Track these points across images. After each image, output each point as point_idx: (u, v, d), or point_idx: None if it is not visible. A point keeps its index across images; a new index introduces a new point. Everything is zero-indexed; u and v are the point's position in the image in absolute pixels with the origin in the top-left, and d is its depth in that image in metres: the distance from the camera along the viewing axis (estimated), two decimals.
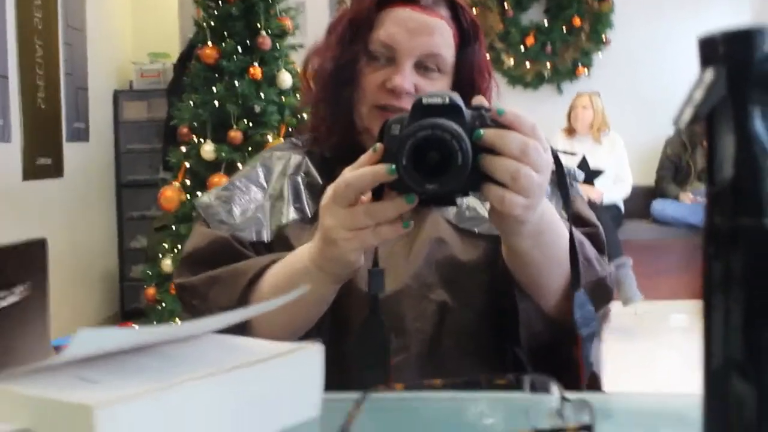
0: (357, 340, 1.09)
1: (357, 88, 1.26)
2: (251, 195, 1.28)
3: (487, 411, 0.75)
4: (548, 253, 1.05)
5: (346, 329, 1.15)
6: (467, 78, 1.28)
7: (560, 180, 1.10)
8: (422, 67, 1.24)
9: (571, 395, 0.65)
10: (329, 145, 1.32)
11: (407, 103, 1.19)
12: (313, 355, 0.76)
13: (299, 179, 1.30)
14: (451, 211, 1.24)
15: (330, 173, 1.29)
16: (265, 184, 1.30)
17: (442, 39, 1.25)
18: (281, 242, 1.23)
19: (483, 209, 1.22)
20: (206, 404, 0.65)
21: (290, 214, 1.26)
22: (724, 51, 0.49)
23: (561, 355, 1.15)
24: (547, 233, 1.03)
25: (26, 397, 0.61)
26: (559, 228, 1.07)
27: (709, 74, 0.50)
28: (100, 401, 0.58)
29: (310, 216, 1.25)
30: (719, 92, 0.49)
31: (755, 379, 0.50)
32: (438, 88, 1.24)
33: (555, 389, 0.67)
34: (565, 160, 1.11)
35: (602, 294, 1.17)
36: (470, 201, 1.24)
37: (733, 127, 0.50)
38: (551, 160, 0.97)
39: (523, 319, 1.12)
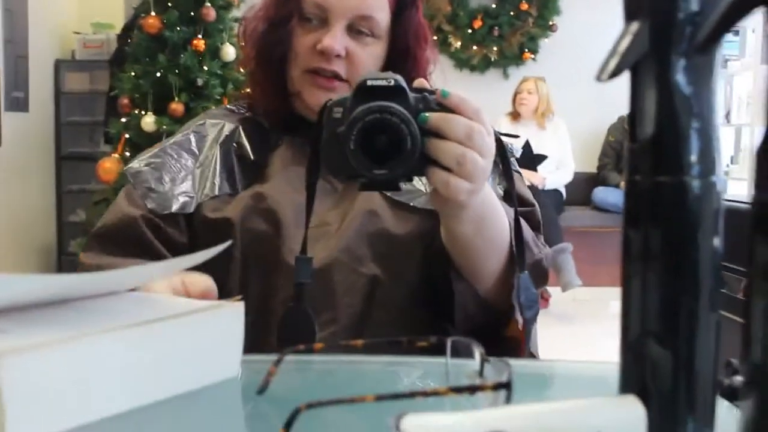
0: (281, 330, 1.05)
1: (289, 50, 1.23)
2: (182, 162, 1.25)
3: (407, 372, 0.74)
4: (488, 238, 1.05)
5: (272, 302, 1.14)
6: (402, 44, 1.26)
7: (503, 162, 1.09)
8: (355, 30, 1.22)
9: (491, 358, 0.64)
10: (264, 109, 1.31)
11: (338, 67, 1.20)
12: (234, 314, 0.74)
13: (231, 149, 1.27)
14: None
15: (265, 142, 1.29)
16: (196, 151, 1.27)
17: (376, 1, 1.22)
18: (198, 215, 1.22)
19: (420, 183, 1.21)
20: (119, 357, 0.63)
21: (217, 186, 1.23)
22: (647, 4, 0.49)
23: (494, 337, 1.14)
24: (487, 218, 1.03)
25: None
26: (499, 213, 1.06)
27: (633, 28, 0.49)
28: (6, 349, 0.56)
29: (239, 190, 1.23)
30: (642, 46, 0.49)
31: (671, 342, 0.50)
32: (371, 53, 1.23)
33: (476, 352, 0.66)
34: (507, 141, 1.10)
35: (538, 275, 1.16)
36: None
37: (655, 82, 0.49)
38: (494, 144, 0.96)
39: (458, 301, 1.11)
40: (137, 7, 4.32)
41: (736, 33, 6.25)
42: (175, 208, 1.21)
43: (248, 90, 1.38)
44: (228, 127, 1.29)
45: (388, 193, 1.20)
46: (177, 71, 3.92)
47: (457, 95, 0.92)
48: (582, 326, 5.17)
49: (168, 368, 0.67)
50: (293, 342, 1.01)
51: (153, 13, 3.99)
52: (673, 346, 0.49)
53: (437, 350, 0.73)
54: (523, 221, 1.14)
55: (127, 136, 4.01)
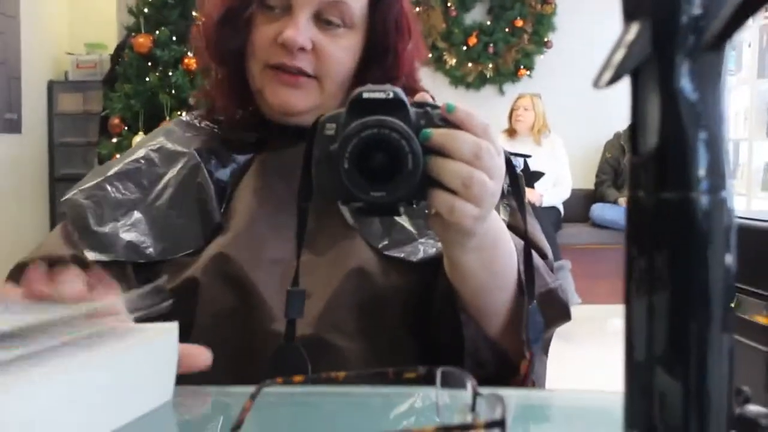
0: (271, 370, 0.87)
1: (248, 42, 1.09)
2: (128, 197, 1.08)
3: (395, 406, 0.69)
4: (495, 270, 0.94)
5: (250, 360, 1.00)
6: (381, 35, 1.11)
7: (514, 187, 0.99)
8: (323, 19, 1.07)
9: (484, 390, 0.60)
10: (226, 115, 1.15)
11: (303, 62, 1.07)
12: (168, 335, 0.71)
13: (191, 191, 1.09)
14: (376, 235, 1.07)
15: (230, 168, 1.12)
16: (146, 182, 1.10)
17: None
18: (152, 274, 1.03)
19: (411, 226, 1.08)
20: (82, 386, 0.60)
21: (176, 241, 1.06)
22: (649, 2, 0.44)
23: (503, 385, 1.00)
24: (494, 248, 0.92)
25: None
26: (507, 242, 0.95)
27: (632, 29, 0.44)
28: None
29: (201, 244, 1.06)
30: (643, 49, 0.44)
31: (680, 372, 0.45)
32: (343, 46, 1.09)
33: (468, 384, 0.61)
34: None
35: (553, 306, 1.04)
36: (400, 219, 1.08)
37: (658, 88, 0.44)
38: (504, 165, 0.86)
39: (468, 348, 0.98)
40: (129, 26, 4.29)
41: (733, 47, 6.25)
42: (119, 255, 1.04)
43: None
44: (188, 162, 1.11)
45: (379, 247, 1.06)
46: (168, 90, 3.89)
47: (464, 110, 0.83)
48: (581, 345, 5.12)
49: (108, 398, 0.64)
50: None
51: (143, 32, 3.97)
52: (684, 375, 0.45)
53: (427, 379, 0.67)
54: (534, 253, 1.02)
55: (118, 156, 3.97)
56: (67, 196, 1.10)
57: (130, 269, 1.04)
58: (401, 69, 1.13)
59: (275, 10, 1.07)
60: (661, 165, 0.45)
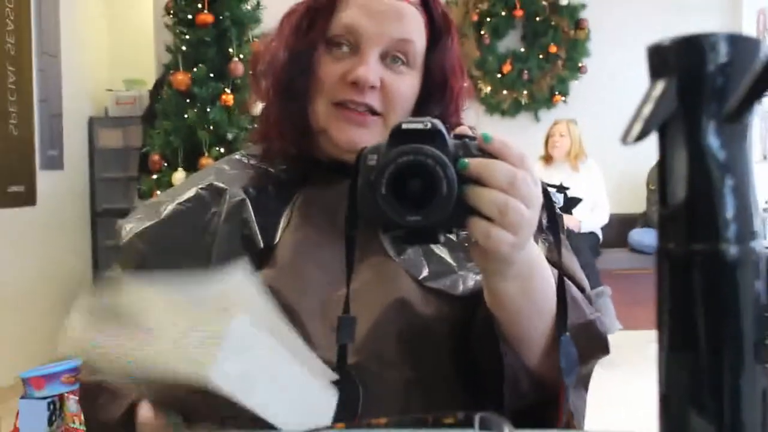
0: None
1: (314, 81, 1.10)
2: (183, 240, 1.12)
3: None
4: (534, 298, 0.94)
5: None
6: (439, 77, 1.14)
7: (550, 217, 1.00)
8: (389, 57, 1.10)
9: None
10: (281, 152, 1.17)
11: (372, 99, 1.08)
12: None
13: (237, 229, 1.11)
14: (418, 269, 1.08)
15: (278, 203, 1.15)
16: (197, 223, 1.12)
17: (413, 26, 1.10)
18: None
19: (450, 258, 1.09)
20: None
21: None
22: (674, 60, 0.45)
23: (541, 417, 1.03)
24: (533, 277, 0.93)
25: None
26: (546, 271, 0.96)
27: (660, 86, 0.46)
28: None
29: None
30: (670, 105, 0.45)
31: (714, 415, 0.46)
32: (407, 84, 1.11)
33: (506, 429, 0.62)
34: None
35: (591, 338, 1.04)
36: (440, 251, 1.10)
37: (686, 142, 0.46)
38: (541, 194, 0.87)
39: (508, 377, 0.98)
40: (167, 63, 4.35)
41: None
42: None
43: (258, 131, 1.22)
44: (233, 198, 1.13)
45: (420, 279, 1.07)
46: (207, 126, 3.92)
47: (500, 140, 0.84)
48: (622, 371, 5.07)
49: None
50: (337, 407, 0.89)
51: (181, 70, 4.02)
52: (718, 422, 0.46)
53: (467, 422, 0.68)
54: (571, 283, 1.04)
55: (158, 192, 4.02)
56: (125, 240, 1.13)
57: None
58: (457, 105, 1.16)
59: (343, 48, 1.10)
60: (690, 217, 0.46)
